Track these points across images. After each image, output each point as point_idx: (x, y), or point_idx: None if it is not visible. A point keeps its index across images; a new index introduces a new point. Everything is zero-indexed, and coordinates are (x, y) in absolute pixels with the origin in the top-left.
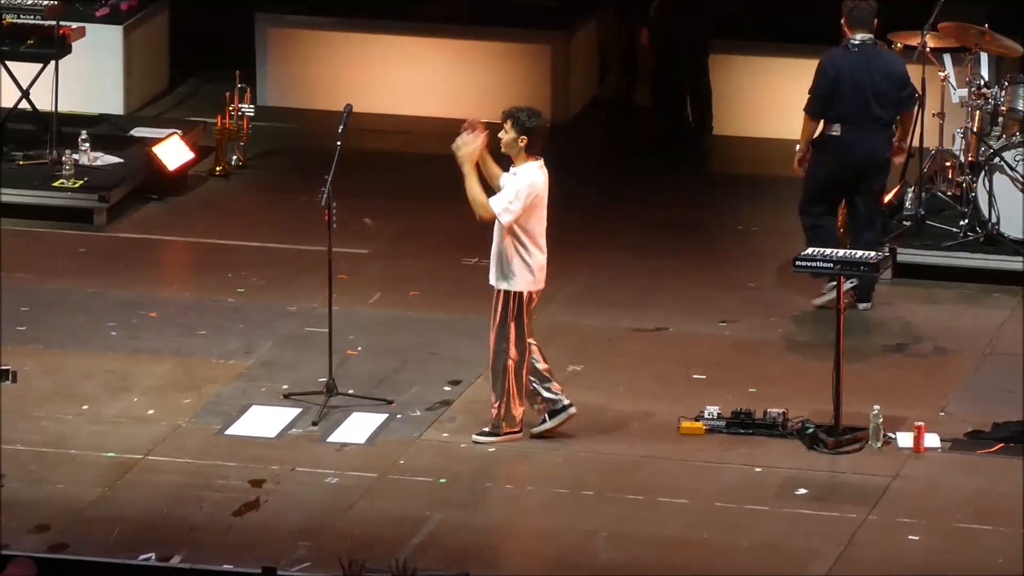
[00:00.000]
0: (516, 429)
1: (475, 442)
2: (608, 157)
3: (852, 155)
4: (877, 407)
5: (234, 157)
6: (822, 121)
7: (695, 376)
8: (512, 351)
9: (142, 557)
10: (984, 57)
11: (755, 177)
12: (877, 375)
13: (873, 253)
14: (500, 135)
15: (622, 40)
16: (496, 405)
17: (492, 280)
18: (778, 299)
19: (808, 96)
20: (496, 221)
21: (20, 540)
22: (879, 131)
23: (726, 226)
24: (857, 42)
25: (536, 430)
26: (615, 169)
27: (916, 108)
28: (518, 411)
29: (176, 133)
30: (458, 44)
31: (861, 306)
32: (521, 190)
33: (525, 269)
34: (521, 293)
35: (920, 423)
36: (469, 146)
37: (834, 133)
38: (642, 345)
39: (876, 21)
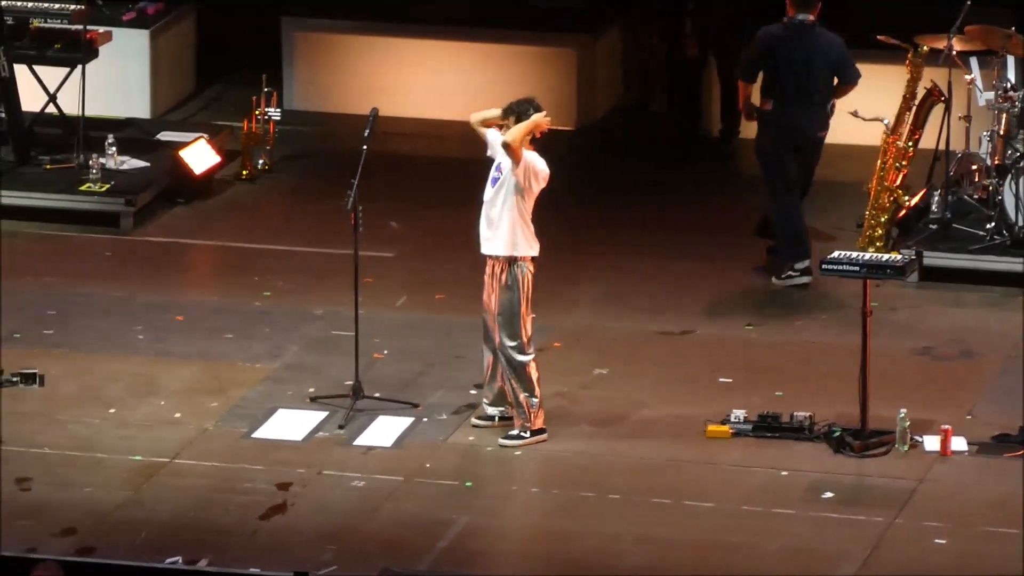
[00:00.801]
0: (542, 428)
1: (501, 446)
2: (633, 160)
3: (786, 132)
4: (904, 410)
5: (260, 161)
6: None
7: (721, 379)
8: (529, 347)
9: (169, 561)
10: (1011, 60)
11: None
12: (904, 378)
13: (900, 256)
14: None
15: (640, 48)
16: (523, 405)
17: (501, 250)
18: (804, 302)
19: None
20: (507, 190)
21: (47, 544)
22: (813, 110)
23: (751, 229)
24: (796, 21)
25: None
26: (640, 172)
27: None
28: (541, 410)
29: (202, 137)
30: (484, 48)
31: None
32: (539, 159)
33: (532, 237)
34: (528, 264)
35: (947, 426)
36: (542, 121)
37: (766, 108)
38: (668, 348)
39: (820, 5)
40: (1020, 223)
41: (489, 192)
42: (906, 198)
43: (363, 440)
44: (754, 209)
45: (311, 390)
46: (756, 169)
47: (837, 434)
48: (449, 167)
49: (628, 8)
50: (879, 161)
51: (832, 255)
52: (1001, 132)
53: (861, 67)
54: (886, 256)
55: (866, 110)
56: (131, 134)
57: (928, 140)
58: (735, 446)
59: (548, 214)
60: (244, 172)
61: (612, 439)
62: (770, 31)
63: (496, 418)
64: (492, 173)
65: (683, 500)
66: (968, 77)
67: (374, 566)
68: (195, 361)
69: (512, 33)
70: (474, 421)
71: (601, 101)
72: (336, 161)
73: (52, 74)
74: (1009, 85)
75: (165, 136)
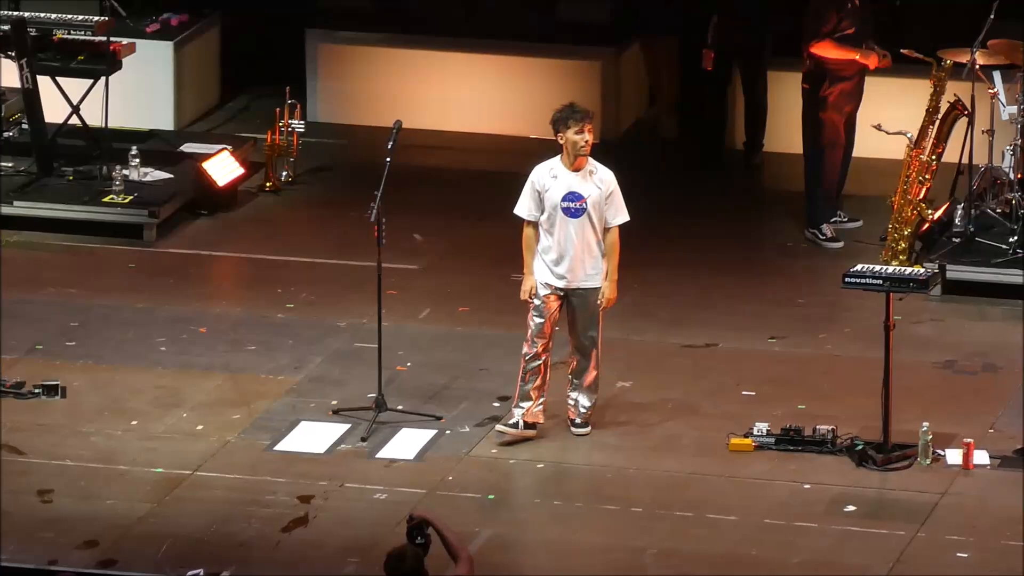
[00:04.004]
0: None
1: (576, 435)
2: (657, 173)
3: None
4: (926, 424)
5: (284, 173)
6: None
7: (744, 392)
8: None
9: (191, 573)
10: None
11: (802, 193)
12: (926, 392)
13: (923, 270)
14: (586, 135)
15: (650, 66)
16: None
17: (597, 283)
18: (827, 315)
19: None
20: (613, 228)
21: (69, 556)
22: None
23: (776, 242)
24: None
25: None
26: (664, 185)
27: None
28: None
29: (226, 149)
30: (508, 60)
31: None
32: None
33: None
34: None
35: (969, 440)
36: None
37: None
38: (691, 361)
39: None
40: None
41: (572, 224)
42: (929, 212)
43: (385, 453)
44: (780, 222)
45: (334, 402)
46: (781, 183)
47: (860, 447)
48: (473, 179)
49: (649, 23)
50: (902, 175)
51: (855, 268)
52: None
53: (887, 81)
54: (909, 269)
55: (889, 124)
56: (154, 146)
57: (951, 154)
58: (758, 459)
59: None
60: (268, 184)
61: (635, 452)
62: None
63: (520, 424)
64: (564, 204)
65: (706, 513)
66: (991, 91)
67: None
68: (218, 373)
69: (536, 46)
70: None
71: (626, 114)
72: (360, 173)
73: (75, 86)
74: None
75: (189, 148)
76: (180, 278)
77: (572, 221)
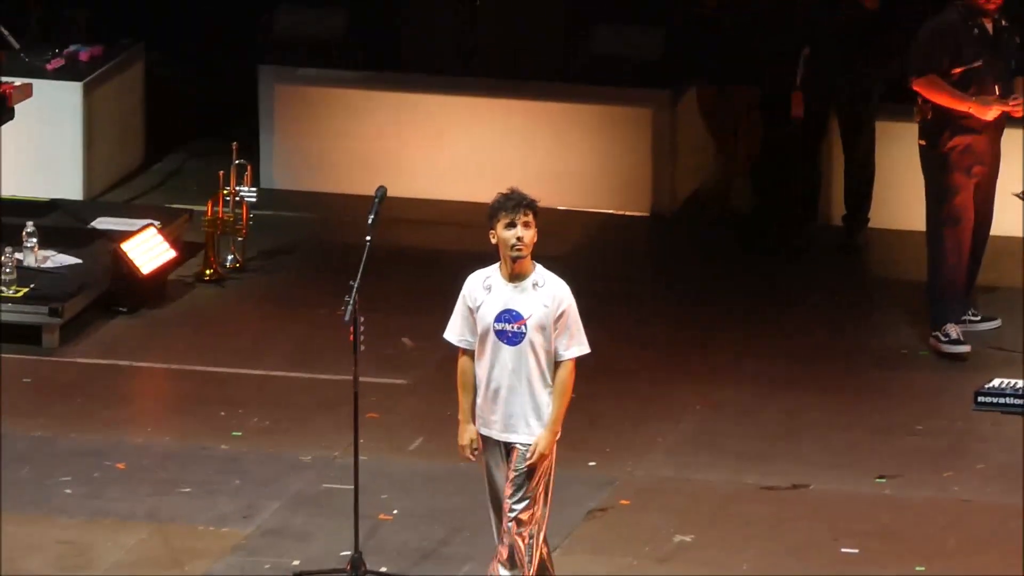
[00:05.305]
0: None
1: None
2: (726, 259)
3: None
4: None
5: (229, 256)
6: None
7: (844, 550)
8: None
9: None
10: None
11: (922, 283)
12: None
13: None
14: (522, 231)
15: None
16: None
17: (532, 436)
18: (954, 447)
19: None
20: (565, 362)
21: None
22: None
23: (884, 349)
24: None
25: None
26: (736, 275)
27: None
28: None
29: (152, 225)
30: (526, 106)
31: None
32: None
33: None
34: None
35: None
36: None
37: None
38: (774, 508)
39: None
40: None
41: (508, 353)
42: None
43: None
44: (889, 322)
45: (295, 563)
46: (890, 270)
47: None
48: (475, 263)
49: (714, 60)
50: None
51: (991, 384)
52: None
53: None
54: None
55: None
56: (58, 221)
57: None
58: None
59: (615, 328)
60: (208, 272)
61: None
62: None
63: None
64: (498, 326)
65: None
66: None
67: None
68: (141, 524)
69: (565, 88)
70: None
71: (685, 178)
72: (329, 257)
73: None
74: None
75: (103, 224)
76: (91, 396)
77: (508, 349)
